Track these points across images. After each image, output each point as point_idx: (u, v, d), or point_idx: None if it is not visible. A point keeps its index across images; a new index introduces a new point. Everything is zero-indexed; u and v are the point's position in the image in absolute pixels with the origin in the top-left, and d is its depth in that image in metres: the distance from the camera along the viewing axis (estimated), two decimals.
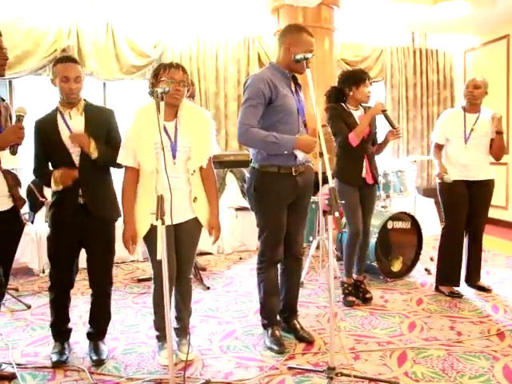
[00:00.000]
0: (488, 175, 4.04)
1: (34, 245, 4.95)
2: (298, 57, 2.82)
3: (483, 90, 3.96)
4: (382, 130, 4.14)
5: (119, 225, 2.96)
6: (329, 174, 2.43)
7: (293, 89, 3.10)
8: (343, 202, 3.81)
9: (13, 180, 2.67)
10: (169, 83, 2.65)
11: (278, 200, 3.06)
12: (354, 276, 4.09)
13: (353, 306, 3.85)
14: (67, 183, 2.77)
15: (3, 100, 2.73)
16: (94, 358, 2.95)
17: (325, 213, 4.40)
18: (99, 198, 2.89)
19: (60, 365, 2.91)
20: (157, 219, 2.26)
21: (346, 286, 4.02)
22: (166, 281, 2.32)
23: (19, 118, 2.54)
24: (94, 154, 2.79)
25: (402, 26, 7.30)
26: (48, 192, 3.12)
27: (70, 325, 3.14)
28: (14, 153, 2.53)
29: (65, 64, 2.79)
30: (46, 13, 5.87)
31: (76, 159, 2.82)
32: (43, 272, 4.96)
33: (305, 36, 3.02)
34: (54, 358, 2.95)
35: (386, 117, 3.78)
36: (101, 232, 2.93)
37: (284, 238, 3.14)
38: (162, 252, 2.24)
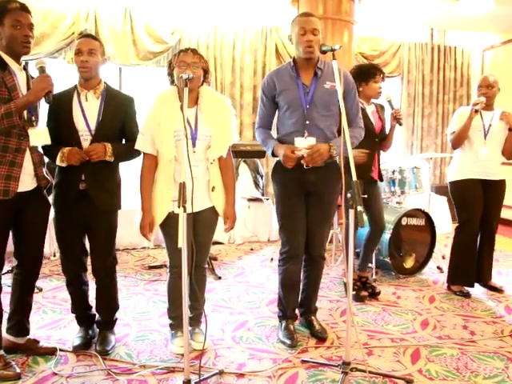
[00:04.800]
0: (501, 175, 4.02)
1: None
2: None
3: (496, 88, 3.95)
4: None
5: (123, 213, 3.01)
6: (352, 168, 2.39)
7: (302, 81, 2.95)
8: (365, 196, 3.78)
9: (38, 158, 2.64)
10: (183, 70, 2.64)
11: (284, 189, 3.06)
12: (357, 272, 4.09)
13: (364, 301, 3.84)
14: (72, 161, 2.67)
15: (32, 78, 2.68)
16: (98, 347, 2.90)
17: (339, 207, 4.37)
18: (100, 186, 2.79)
19: (80, 349, 2.91)
20: (179, 206, 2.23)
21: (353, 281, 3.96)
22: (184, 269, 2.30)
23: (42, 69, 2.54)
24: (111, 159, 2.77)
25: (421, 21, 7.23)
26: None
27: (93, 311, 3.09)
28: (49, 101, 2.50)
29: (81, 39, 2.77)
30: None
31: (84, 142, 2.73)
32: (54, 255, 4.98)
33: (296, 20, 2.90)
34: (76, 342, 2.95)
35: (390, 103, 3.90)
36: (101, 221, 2.85)
37: (306, 237, 3.13)
38: (183, 240, 2.22)
